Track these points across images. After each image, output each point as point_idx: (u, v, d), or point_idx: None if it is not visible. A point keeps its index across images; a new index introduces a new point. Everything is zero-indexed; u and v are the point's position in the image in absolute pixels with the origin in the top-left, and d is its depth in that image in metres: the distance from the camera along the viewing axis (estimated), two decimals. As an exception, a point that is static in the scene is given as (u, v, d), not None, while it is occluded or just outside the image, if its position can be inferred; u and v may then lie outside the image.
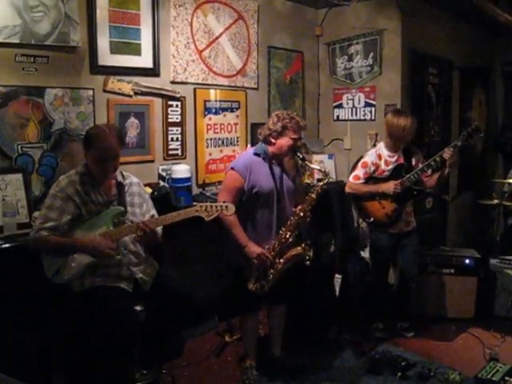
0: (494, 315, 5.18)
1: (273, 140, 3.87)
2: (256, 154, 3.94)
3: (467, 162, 7.17)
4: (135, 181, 3.77)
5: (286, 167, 3.98)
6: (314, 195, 3.86)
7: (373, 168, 4.74)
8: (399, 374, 4.15)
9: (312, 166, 4.21)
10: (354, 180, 4.79)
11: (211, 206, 3.38)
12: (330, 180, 4.09)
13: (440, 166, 4.59)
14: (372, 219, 4.79)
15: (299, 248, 3.83)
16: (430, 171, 4.67)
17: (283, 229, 3.83)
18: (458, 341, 4.84)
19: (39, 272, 3.33)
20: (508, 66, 7.81)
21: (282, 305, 4.23)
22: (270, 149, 3.92)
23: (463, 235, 7.25)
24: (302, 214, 3.82)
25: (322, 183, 3.89)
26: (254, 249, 3.76)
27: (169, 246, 4.25)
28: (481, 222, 7.15)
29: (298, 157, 3.90)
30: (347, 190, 4.85)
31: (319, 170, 4.15)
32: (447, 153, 4.41)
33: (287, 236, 3.82)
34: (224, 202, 3.50)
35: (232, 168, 3.91)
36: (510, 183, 6.03)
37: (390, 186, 4.59)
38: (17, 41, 3.73)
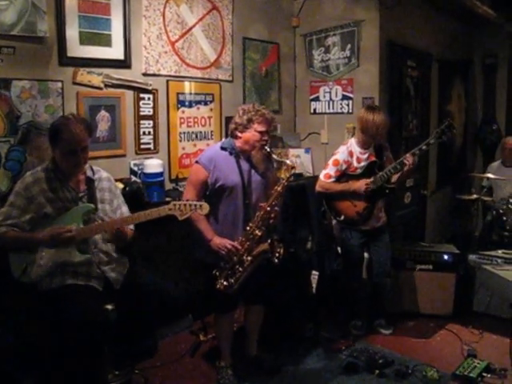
0: (473, 311, 5.16)
1: (239, 134, 3.83)
2: (223, 148, 3.89)
3: (446, 156, 7.18)
4: (105, 175, 3.68)
5: (255, 162, 3.88)
6: (279, 188, 3.76)
7: (344, 166, 4.67)
8: (377, 371, 4.11)
9: (278, 159, 4.09)
10: (325, 179, 4.71)
11: (185, 205, 3.31)
12: (296, 172, 4.00)
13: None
14: (343, 217, 4.73)
15: (265, 244, 3.74)
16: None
17: (250, 224, 3.74)
18: (436, 337, 4.81)
19: (4, 271, 3.27)
20: (488, 59, 7.81)
21: (259, 304, 4.16)
22: (237, 143, 3.86)
23: (442, 230, 7.24)
24: (268, 209, 3.72)
25: (287, 176, 3.81)
26: (219, 241, 3.70)
27: (140, 244, 4.19)
28: (460, 217, 7.13)
29: (266, 150, 3.82)
30: (318, 189, 4.77)
31: (284, 163, 4.04)
32: (408, 159, 4.39)
33: (255, 232, 3.72)
34: (197, 198, 3.49)
35: (196, 161, 3.88)
36: (488, 178, 6.01)
37: (361, 186, 4.54)
38: (-19, 31, 3.62)
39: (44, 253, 3.25)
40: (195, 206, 3.32)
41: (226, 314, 4.04)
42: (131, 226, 3.57)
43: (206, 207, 3.35)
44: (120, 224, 3.38)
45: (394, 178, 4.64)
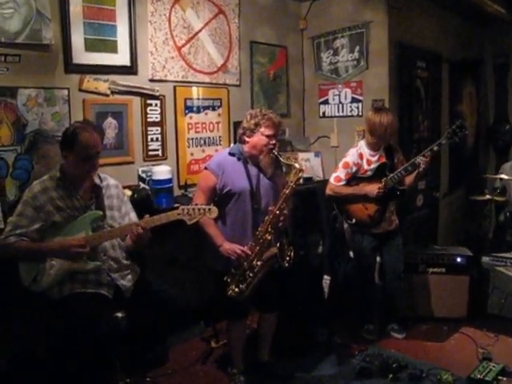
0: (487, 314, 5.07)
1: (247, 138, 3.82)
2: (231, 154, 3.89)
3: (458, 157, 7.12)
4: (113, 183, 3.67)
5: (263, 166, 3.86)
6: (287, 191, 3.73)
7: (355, 168, 4.63)
8: (390, 376, 4.06)
9: (286, 162, 4.05)
10: (336, 182, 4.67)
11: (193, 209, 3.31)
12: (305, 176, 3.97)
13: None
14: (354, 220, 4.68)
15: (274, 248, 3.71)
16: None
17: (260, 229, 3.71)
18: (450, 341, 4.75)
19: (15, 281, 3.26)
20: (499, 58, 7.74)
21: (273, 312, 4.13)
22: (245, 148, 3.85)
23: (454, 233, 7.18)
24: (277, 212, 3.69)
25: (295, 179, 3.76)
26: (228, 246, 3.68)
27: (151, 251, 4.17)
28: (472, 219, 7.06)
29: (273, 154, 3.80)
30: (328, 192, 4.72)
31: (292, 166, 4.01)
32: (421, 159, 4.38)
33: (265, 236, 3.69)
34: (206, 204, 3.44)
35: (205, 167, 3.90)
36: (501, 178, 5.94)
37: (373, 189, 4.49)
38: (-14, 39, 3.62)
39: (54, 261, 3.23)
40: (204, 209, 3.31)
41: (238, 321, 4.02)
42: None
43: (214, 211, 3.34)
44: (129, 230, 3.36)
45: (408, 180, 4.62)
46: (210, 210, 3.32)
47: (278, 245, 3.71)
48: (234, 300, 3.67)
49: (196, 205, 3.39)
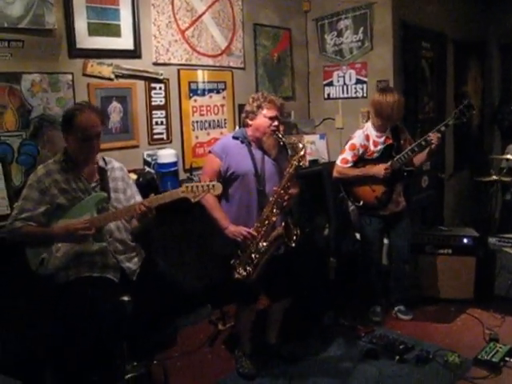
0: (494, 295, 5.08)
1: (250, 121, 3.87)
2: (234, 138, 3.95)
3: (463, 138, 7.08)
4: (118, 165, 3.67)
5: (267, 148, 3.89)
6: (291, 170, 3.73)
7: (361, 150, 4.63)
8: (397, 357, 4.07)
9: (287, 141, 4.04)
10: (343, 164, 4.67)
11: (197, 187, 3.29)
12: (310, 158, 3.96)
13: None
14: (362, 202, 4.69)
15: (280, 228, 3.70)
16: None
17: (265, 210, 3.72)
18: (457, 322, 4.76)
19: (22, 265, 3.27)
20: (504, 38, 7.67)
21: (284, 299, 4.12)
22: (249, 131, 3.90)
23: (461, 214, 7.16)
24: (282, 192, 3.70)
25: (298, 156, 3.76)
26: (234, 229, 3.71)
27: (157, 234, 4.17)
28: (479, 199, 7.05)
29: (277, 135, 3.82)
30: (335, 174, 4.73)
31: (294, 145, 4.00)
32: (433, 137, 4.35)
33: (270, 217, 3.70)
34: (210, 181, 3.40)
35: (209, 151, 3.97)
36: (507, 159, 5.92)
37: (380, 170, 4.48)
38: (-11, 25, 3.60)
39: (60, 244, 3.24)
40: (208, 186, 3.29)
41: (248, 306, 4.03)
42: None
43: (218, 187, 3.32)
44: (134, 210, 3.35)
45: (417, 159, 4.61)
46: (213, 186, 3.30)
47: (283, 224, 3.71)
48: (242, 284, 3.68)
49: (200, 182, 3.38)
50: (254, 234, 3.67)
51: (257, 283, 3.75)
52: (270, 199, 3.72)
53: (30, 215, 3.24)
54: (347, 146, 4.68)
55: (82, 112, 3.30)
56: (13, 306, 3.44)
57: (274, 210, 3.70)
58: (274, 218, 3.70)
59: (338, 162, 4.70)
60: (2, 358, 3.30)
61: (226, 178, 3.82)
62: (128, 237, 3.56)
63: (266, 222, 3.70)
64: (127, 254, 3.50)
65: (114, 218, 3.39)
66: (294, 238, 3.74)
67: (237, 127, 5.25)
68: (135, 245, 3.61)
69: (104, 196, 3.40)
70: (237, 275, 3.65)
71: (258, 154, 3.88)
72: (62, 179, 3.33)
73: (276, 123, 3.82)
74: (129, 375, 3.52)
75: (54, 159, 3.43)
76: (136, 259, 3.55)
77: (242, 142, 3.89)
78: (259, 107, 3.80)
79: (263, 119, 3.80)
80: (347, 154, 4.65)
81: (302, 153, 3.79)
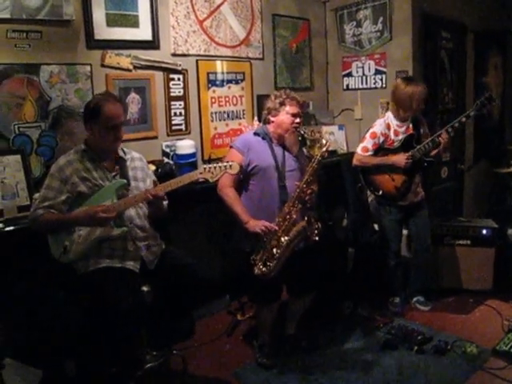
0: (513, 286, 5.06)
1: (272, 118, 3.92)
2: (256, 134, 3.98)
3: (483, 129, 7.03)
4: (137, 156, 3.70)
5: (288, 145, 3.93)
6: (315, 164, 3.73)
7: (382, 139, 4.60)
8: (415, 348, 4.08)
9: (311, 137, 4.09)
10: (363, 152, 4.64)
11: (215, 167, 3.31)
12: (330, 148, 3.97)
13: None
14: (381, 192, 4.67)
15: (302, 222, 3.70)
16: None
17: (286, 204, 3.72)
18: (475, 313, 4.75)
19: (44, 255, 3.30)
20: (525, 28, 7.59)
21: (307, 295, 4.14)
22: (270, 128, 3.94)
23: (480, 205, 7.11)
24: (304, 186, 3.70)
25: (321, 152, 3.76)
26: (254, 223, 3.69)
27: (176, 224, 4.18)
28: (498, 191, 6.99)
29: (299, 132, 3.87)
30: (355, 162, 4.71)
31: (317, 140, 4.01)
32: (443, 137, 4.40)
33: (291, 212, 3.69)
34: (227, 161, 3.39)
35: (231, 146, 3.99)
36: (528, 151, 5.89)
37: (400, 159, 4.46)
38: (7, 16, 3.62)
39: (81, 231, 3.27)
40: (225, 166, 3.31)
41: (269, 304, 4.02)
42: (164, 205, 3.60)
43: (236, 167, 3.32)
44: (153, 193, 3.34)
45: (433, 152, 4.58)
46: (231, 166, 3.31)
47: (305, 218, 3.71)
48: (263, 282, 3.67)
49: (217, 163, 3.37)
50: (275, 227, 3.66)
51: (278, 280, 3.77)
52: (292, 194, 3.73)
53: (51, 203, 3.26)
54: (368, 135, 4.66)
55: (107, 102, 3.34)
56: (36, 296, 3.46)
57: (296, 205, 3.70)
58: (295, 213, 3.70)
59: (359, 151, 4.68)
60: (23, 348, 3.32)
61: (248, 173, 3.85)
62: (148, 225, 3.56)
63: (288, 216, 3.69)
64: (148, 240, 3.51)
65: (135, 202, 3.39)
66: (316, 232, 3.75)
67: (255, 118, 5.27)
68: (155, 233, 3.62)
69: (124, 182, 3.42)
70: (257, 271, 3.63)
71: (279, 150, 3.91)
72: (82, 168, 3.35)
73: (298, 120, 3.86)
74: (148, 365, 3.57)
75: (75, 149, 3.45)
76: (155, 248, 3.56)
77: (264, 139, 3.92)
78: (282, 104, 3.84)
79: (286, 116, 3.84)
80: (368, 143, 4.63)
81: (325, 148, 3.78)
